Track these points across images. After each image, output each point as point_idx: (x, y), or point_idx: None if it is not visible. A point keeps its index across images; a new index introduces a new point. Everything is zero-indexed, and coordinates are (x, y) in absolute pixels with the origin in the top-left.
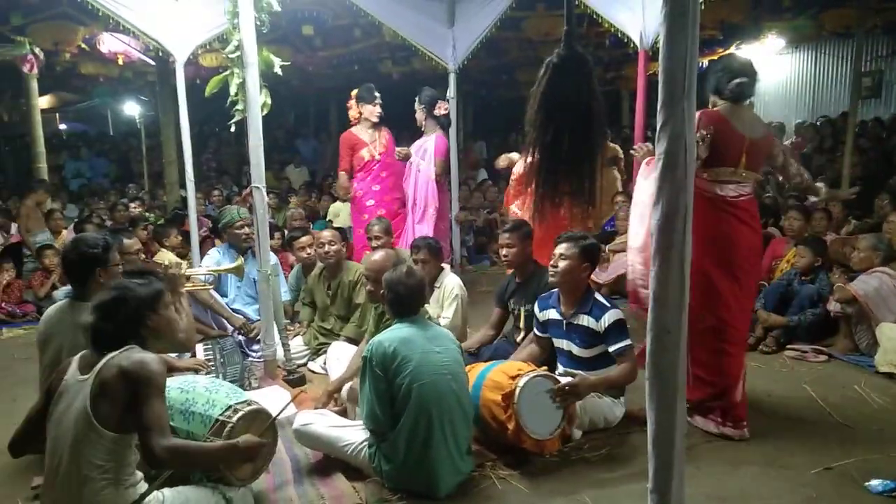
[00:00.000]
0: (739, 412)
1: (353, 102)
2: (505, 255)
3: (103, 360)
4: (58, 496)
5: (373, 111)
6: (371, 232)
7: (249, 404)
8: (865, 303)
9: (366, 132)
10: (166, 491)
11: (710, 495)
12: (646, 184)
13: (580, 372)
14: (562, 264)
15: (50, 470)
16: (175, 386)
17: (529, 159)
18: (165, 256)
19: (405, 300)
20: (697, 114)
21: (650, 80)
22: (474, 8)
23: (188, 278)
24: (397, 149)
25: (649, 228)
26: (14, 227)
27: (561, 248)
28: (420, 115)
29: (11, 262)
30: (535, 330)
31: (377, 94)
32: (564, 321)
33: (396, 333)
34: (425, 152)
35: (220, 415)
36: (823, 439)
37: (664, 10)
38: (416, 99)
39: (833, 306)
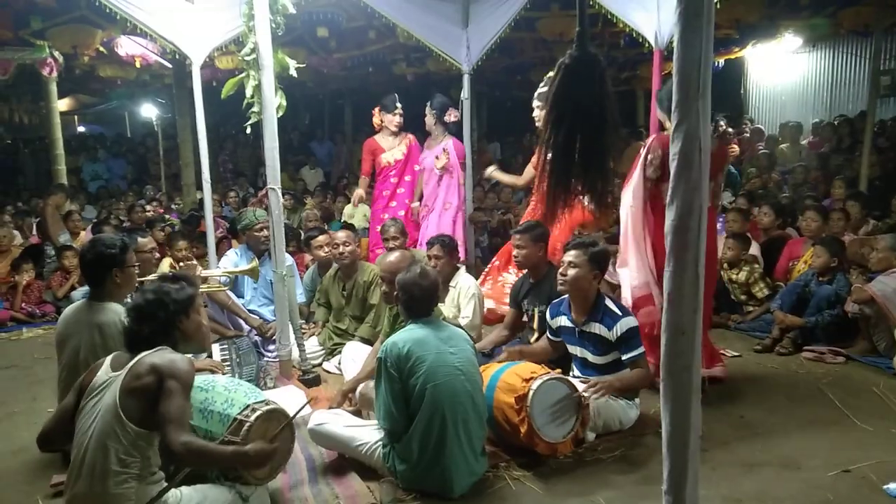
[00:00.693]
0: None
1: (376, 110)
2: (515, 256)
3: (136, 358)
4: (81, 487)
5: (392, 120)
6: (387, 233)
7: (267, 404)
8: (884, 304)
9: (386, 139)
10: (184, 489)
11: (726, 497)
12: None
13: (596, 377)
14: (571, 272)
15: (75, 461)
16: (194, 384)
17: (542, 161)
18: (165, 263)
19: (419, 302)
20: (651, 139)
21: (665, 80)
22: (488, 9)
23: (205, 280)
24: (437, 157)
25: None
26: (34, 228)
27: (570, 256)
28: (430, 119)
29: (31, 263)
30: (548, 334)
31: (399, 104)
32: (576, 329)
33: (411, 334)
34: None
35: (239, 414)
36: (841, 441)
37: (678, 10)
38: (428, 104)
39: (851, 307)
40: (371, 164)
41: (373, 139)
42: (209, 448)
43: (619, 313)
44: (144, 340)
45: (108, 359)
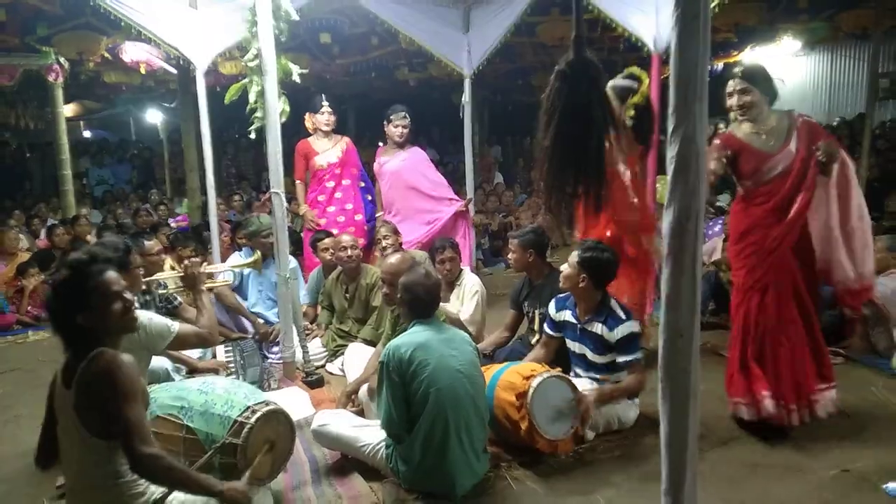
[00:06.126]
0: None
1: (307, 115)
2: (509, 259)
3: (77, 373)
4: (80, 501)
5: (321, 120)
6: (379, 233)
7: (267, 405)
8: (883, 304)
9: (319, 141)
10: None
11: (726, 498)
12: None
13: (596, 375)
14: (563, 270)
15: (67, 477)
16: (195, 388)
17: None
18: (167, 263)
19: (423, 302)
20: (718, 139)
21: (664, 84)
22: (489, 14)
23: (210, 276)
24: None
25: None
26: (43, 233)
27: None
28: (406, 131)
29: (37, 268)
30: (548, 329)
31: (325, 103)
32: (579, 325)
33: (413, 338)
34: (419, 163)
35: (239, 416)
36: (840, 441)
37: (675, 14)
38: (405, 114)
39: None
40: (305, 168)
41: (305, 141)
42: (178, 469)
43: (623, 317)
44: (72, 341)
45: (60, 372)
